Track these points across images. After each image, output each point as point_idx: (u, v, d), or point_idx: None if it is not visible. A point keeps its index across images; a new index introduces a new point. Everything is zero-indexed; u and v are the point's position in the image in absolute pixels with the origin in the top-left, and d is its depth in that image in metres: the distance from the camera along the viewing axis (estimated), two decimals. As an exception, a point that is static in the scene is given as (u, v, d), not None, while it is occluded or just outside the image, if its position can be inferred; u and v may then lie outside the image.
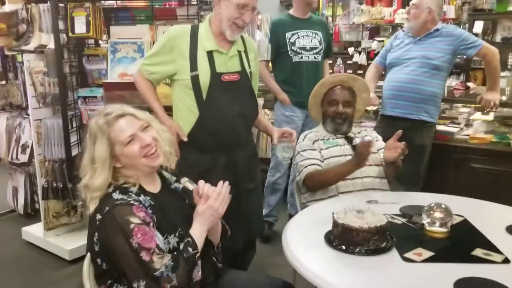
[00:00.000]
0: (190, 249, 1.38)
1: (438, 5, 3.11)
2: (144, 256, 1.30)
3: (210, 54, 2.02)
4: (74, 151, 2.87)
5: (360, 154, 2.07)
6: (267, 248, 3.17)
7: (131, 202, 1.37)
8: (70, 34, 2.59)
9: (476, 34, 4.92)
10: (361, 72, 5.26)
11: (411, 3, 3.07)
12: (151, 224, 1.37)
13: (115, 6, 2.84)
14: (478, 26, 4.91)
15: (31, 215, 3.77)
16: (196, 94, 2.02)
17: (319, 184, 2.20)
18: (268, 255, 3.01)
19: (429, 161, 3.14)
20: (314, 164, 2.24)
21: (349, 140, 2.37)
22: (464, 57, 4.09)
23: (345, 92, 2.36)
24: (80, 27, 2.54)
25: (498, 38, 5.01)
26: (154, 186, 1.54)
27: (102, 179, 1.42)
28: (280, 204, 3.45)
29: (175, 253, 1.38)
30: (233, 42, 2.07)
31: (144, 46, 2.67)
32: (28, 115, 3.28)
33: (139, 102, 2.67)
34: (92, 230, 1.40)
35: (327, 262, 1.49)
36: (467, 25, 5.01)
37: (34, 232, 3.33)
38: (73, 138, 2.86)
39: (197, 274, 1.37)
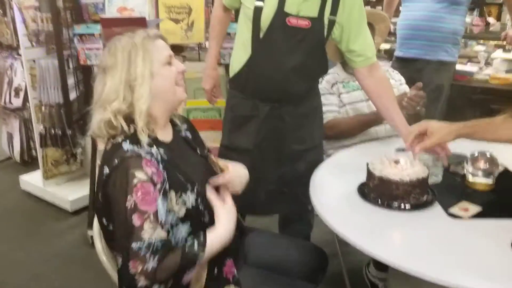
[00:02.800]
0: (195, 247, 1.15)
1: None
2: (135, 219, 1.10)
3: None
4: (72, 95, 2.68)
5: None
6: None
7: (142, 154, 1.18)
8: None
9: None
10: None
11: None
12: (158, 186, 1.17)
13: None
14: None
15: (28, 163, 3.65)
16: (254, 30, 1.72)
17: (340, 134, 2.08)
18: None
19: (446, 103, 2.99)
20: (333, 111, 2.11)
21: None
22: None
23: None
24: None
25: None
26: (167, 134, 1.36)
27: (145, 96, 1.24)
28: None
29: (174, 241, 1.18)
30: None
31: (144, -23, 2.40)
32: (20, 55, 3.06)
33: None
34: (99, 185, 1.21)
35: (363, 218, 1.35)
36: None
37: (32, 181, 3.21)
38: (70, 80, 2.66)
39: (187, 277, 1.14)
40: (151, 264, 1.06)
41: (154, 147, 1.23)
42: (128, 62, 1.24)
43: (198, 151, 1.45)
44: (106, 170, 1.18)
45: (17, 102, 3.46)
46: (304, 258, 1.51)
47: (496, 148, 1.77)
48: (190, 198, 1.25)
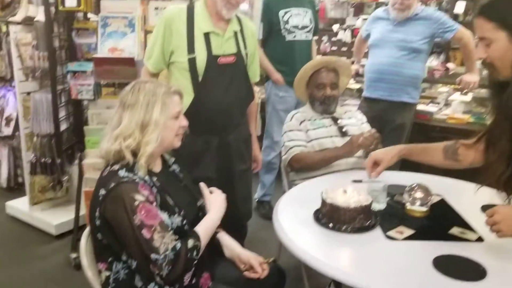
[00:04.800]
0: (195, 253, 1.43)
1: None
2: (145, 233, 1.36)
3: (206, 35, 2.04)
4: (63, 126, 2.88)
5: (352, 143, 2.22)
6: (261, 223, 3.29)
7: (137, 180, 1.44)
8: (60, 8, 2.56)
9: (457, 15, 5.03)
10: (345, 49, 5.34)
11: None
12: (154, 203, 1.44)
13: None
14: (460, 6, 5.00)
15: (14, 189, 3.77)
16: (192, 76, 2.05)
17: (306, 167, 2.31)
18: (259, 230, 3.12)
19: (409, 140, 3.27)
20: (300, 146, 2.35)
21: (335, 120, 2.47)
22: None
23: (331, 74, 2.46)
24: (70, 1, 2.51)
25: (478, 19, 5.11)
26: (158, 165, 1.62)
27: (153, 142, 1.49)
28: (275, 182, 3.50)
29: (179, 245, 1.41)
30: (229, 22, 2.09)
31: (135, 20, 2.66)
32: (13, 87, 3.25)
33: (129, 77, 2.71)
34: (94, 205, 1.46)
35: (315, 239, 1.59)
36: (449, 5, 5.10)
37: (18, 206, 3.34)
38: (62, 113, 2.87)
39: (187, 277, 1.45)
40: (165, 271, 1.36)
41: (147, 176, 1.50)
42: (146, 107, 1.50)
43: (183, 182, 1.71)
44: (102, 192, 1.43)
45: (7, 130, 3.63)
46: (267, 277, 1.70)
47: (435, 180, 2.04)
48: (176, 220, 1.51)
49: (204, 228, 1.53)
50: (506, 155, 1.39)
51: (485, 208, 1.76)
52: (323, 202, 1.65)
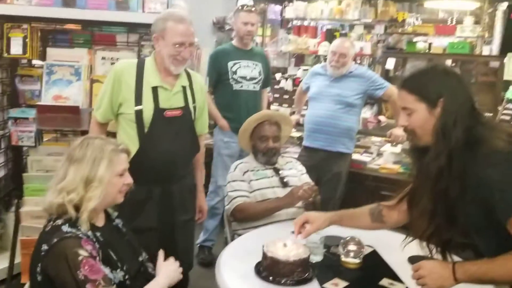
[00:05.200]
0: None
1: (354, 51, 3.49)
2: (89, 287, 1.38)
3: (155, 89, 2.12)
4: (1, 172, 2.80)
5: (292, 195, 2.34)
6: (204, 271, 3.28)
7: (80, 235, 1.46)
8: (6, 55, 2.55)
9: (388, 70, 5.46)
10: (286, 97, 5.57)
11: (339, 52, 3.29)
12: (97, 258, 1.46)
13: (54, 28, 2.83)
14: (390, 62, 5.43)
15: None
16: (138, 127, 2.11)
17: (248, 217, 2.40)
18: (200, 278, 3.09)
19: (346, 188, 3.46)
20: (243, 196, 2.44)
21: (277, 171, 2.60)
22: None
23: (273, 127, 2.61)
24: (16, 48, 2.52)
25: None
26: (100, 220, 1.64)
27: (96, 198, 1.51)
28: (218, 228, 3.52)
29: None
30: (178, 77, 2.19)
31: (81, 69, 2.69)
32: None
33: (73, 126, 2.71)
34: (36, 260, 1.46)
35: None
36: (381, 61, 5.52)
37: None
38: (1, 159, 2.80)
39: None
40: None
41: (90, 231, 1.52)
42: (92, 163, 1.53)
43: (126, 236, 1.74)
44: (45, 247, 1.44)
45: None
46: None
47: (370, 231, 2.18)
48: (119, 274, 1.54)
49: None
50: (428, 214, 1.53)
51: (412, 259, 1.92)
52: (264, 255, 1.74)
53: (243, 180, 2.51)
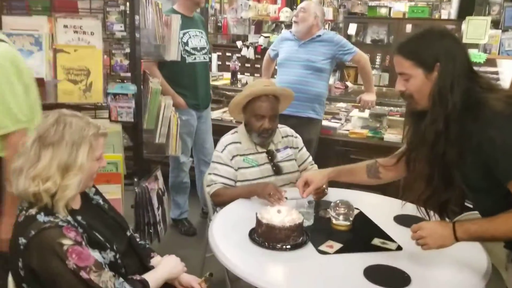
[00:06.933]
0: None
1: (322, 13, 3.47)
2: (84, 275, 1.31)
3: None
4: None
5: (263, 191, 2.10)
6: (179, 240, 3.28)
7: (59, 223, 1.34)
8: (-45, 24, 2.34)
9: (350, 35, 5.49)
10: (248, 65, 5.53)
11: (299, 6, 3.33)
12: (83, 243, 1.37)
13: (7, -6, 2.62)
14: (352, 28, 5.47)
15: None
16: None
17: (224, 203, 2.19)
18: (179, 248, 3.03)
19: (316, 154, 3.49)
20: (224, 184, 2.28)
21: (270, 154, 2.38)
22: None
23: (271, 105, 2.31)
24: (-32, 17, 2.31)
25: (368, 40, 5.64)
26: (76, 203, 1.52)
27: (74, 187, 1.39)
28: (188, 199, 3.49)
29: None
30: None
31: (42, 39, 2.50)
32: None
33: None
34: (15, 255, 1.34)
35: (252, 258, 1.65)
36: (342, 26, 5.55)
37: None
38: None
39: None
40: None
41: (69, 217, 1.39)
42: (71, 148, 1.38)
43: (109, 214, 1.64)
44: (22, 240, 1.32)
45: None
46: None
47: (353, 194, 2.22)
48: (109, 255, 1.46)
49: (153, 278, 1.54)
50: (424, 176, 1.56)
51: (397, 218, 1.98)
52: (259, 222, 1.72)
53: (229, 166, 2.31)
